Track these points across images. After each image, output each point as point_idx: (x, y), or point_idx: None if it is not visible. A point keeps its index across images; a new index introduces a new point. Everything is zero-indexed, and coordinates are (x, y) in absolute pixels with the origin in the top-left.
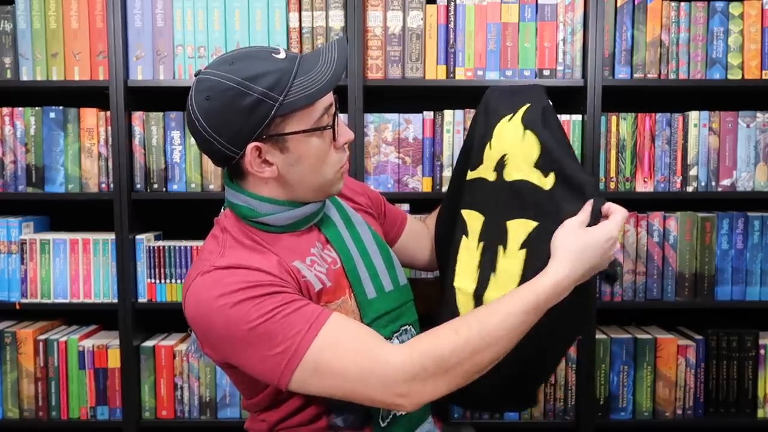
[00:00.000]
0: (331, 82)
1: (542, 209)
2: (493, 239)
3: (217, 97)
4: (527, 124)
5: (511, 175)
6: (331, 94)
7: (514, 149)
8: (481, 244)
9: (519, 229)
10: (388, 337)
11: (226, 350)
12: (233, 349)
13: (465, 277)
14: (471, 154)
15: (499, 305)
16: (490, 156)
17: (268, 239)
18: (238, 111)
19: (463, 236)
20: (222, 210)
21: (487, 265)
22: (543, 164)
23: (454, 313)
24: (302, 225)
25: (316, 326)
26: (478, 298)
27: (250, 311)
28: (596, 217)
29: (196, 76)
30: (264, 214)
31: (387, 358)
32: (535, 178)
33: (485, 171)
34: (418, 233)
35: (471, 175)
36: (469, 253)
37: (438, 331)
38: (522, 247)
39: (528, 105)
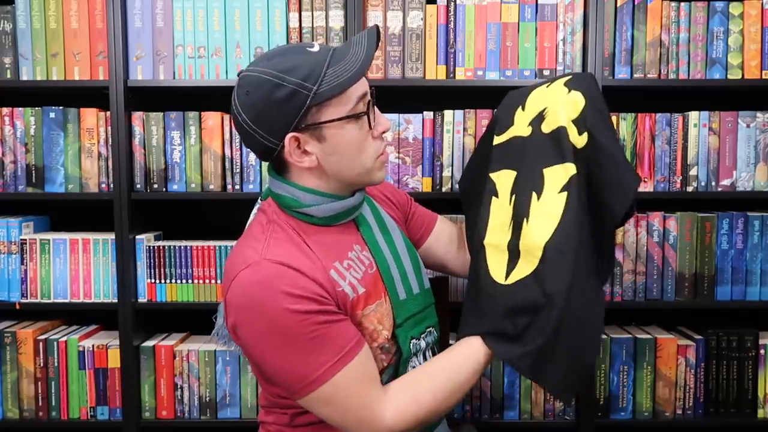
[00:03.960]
0: (360, 69)
1: (578, 160)
2: (526, 188)
3: (255, 91)
4: (572, 86)
5: (549, 126)
6: (366, 84)
7: (556, 103)
8: (513, 197)
9: (558, 174)
10: (416, 337)
11: (253, 344)
12: (261, 348)
13: (497, 233)
14: (496, 125)
15: (461, 362)
16: (524, 116)
17: (310, 232)
18: (275, 103)
19: (493, 197)
20: (259, 200)
21: (520, 214)
22: (579, 122)
23: (480, 270)
24: (343, 218)
25: (344, 361)
26: (514, 249)
27: (292, 322)
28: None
29: (238, 75)
30: (307, 204)
31: (383, 416)
32: (571, 131)
33: (517, 130)
34: (450, 235)
35: (498, 139)
36: (501, 211)
37: (420, 396)
38: (562, 190)
39: (570, 77)
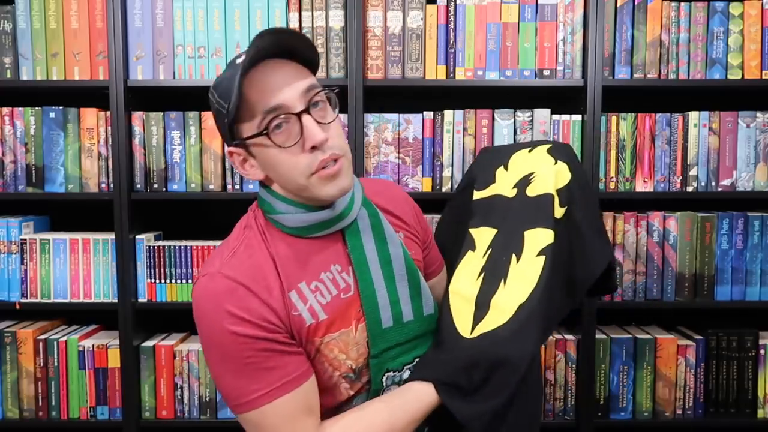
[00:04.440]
0: (238, 79)
1: (557, 226)
2: (505, 248)
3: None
4: (556, 156)
5: (535, 190)
6: (280, 96)
7: (545, 170)
8: (489, 251)
9: (538, 237)
10: (398, 369)
11: (202, 346)
12: (204, 353)
13: (464, 282)
14: (473, 180)
15: (407, 406)
16: (507, 176)
17: (285, 242)
18: (215, 118)
19: (469, 251)
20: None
21: (495, 272)
22: (562, 194)
23: (444, 319)
24: (316, 231)
25: (277, 393)
26: (483, 304)
27: (229, 342)
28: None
29: None
30: (278, 212)
31: None
32: (555, 200)
33: (501, 189)
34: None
35: (479, 194)
36: (472, 262)
37: None
38: (540, 254)
39: (549, 145)
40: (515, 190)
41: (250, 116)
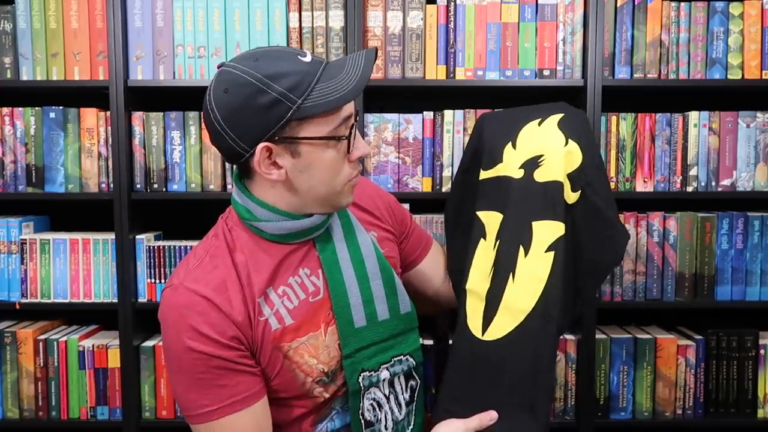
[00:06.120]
0: (354, 91)
1: (568, 217)
2: (512, 238)
3: (236, 91)
4: (567, 132)
5: (543, 176)
6: (352, 106)
7: (554, 154)
8: (498, 242)
9: (547, 231)
10: (375, 369)
11: (164, 354)
12: (165, 361)
13: (478, 279)
14: (480, 157)
15: None
16: (515, 155)
17: (258, 248)
18: (255, 108)
19: (482, 239)
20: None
21: (505, 266)
22: (575, 178)
23: (460, 317)
24: (296, 238)
25: (224, 411)
26: (493, 300)
27: (185, 356)
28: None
29: (218, 68)
30: (259, 219)
31: None
32: (566, 185)
33: (507, 169)
34: (441, 263)
35: (485, 174)
36: (485, 254)
37: None
38: (549, 249)
39: (561, 115)
40: (522, 171)
41: (327, 119)
